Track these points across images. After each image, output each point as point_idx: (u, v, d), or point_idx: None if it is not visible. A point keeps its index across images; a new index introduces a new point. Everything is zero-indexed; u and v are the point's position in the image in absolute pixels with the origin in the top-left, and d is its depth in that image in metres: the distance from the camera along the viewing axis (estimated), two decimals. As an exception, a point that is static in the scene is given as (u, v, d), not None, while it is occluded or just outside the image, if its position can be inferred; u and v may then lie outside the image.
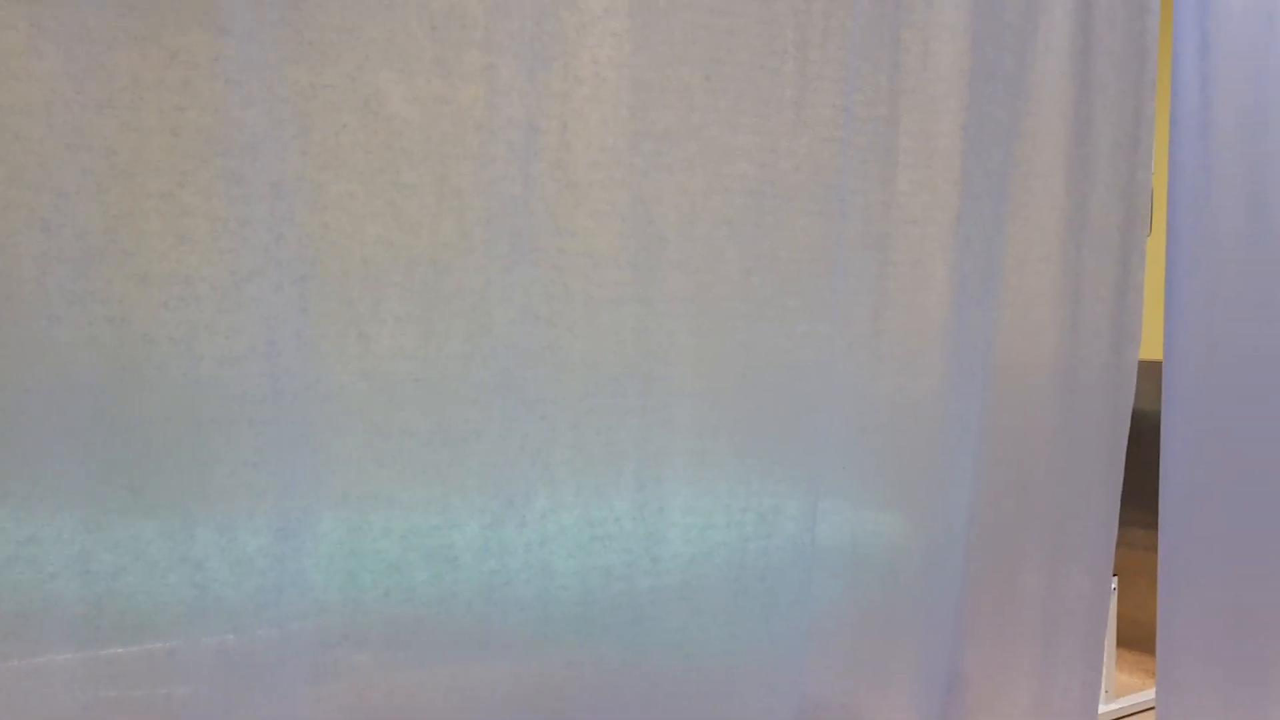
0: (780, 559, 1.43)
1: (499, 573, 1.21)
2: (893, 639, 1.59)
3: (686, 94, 1.30)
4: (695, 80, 1.30)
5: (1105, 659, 2.04)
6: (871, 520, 1.57)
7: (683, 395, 1.34)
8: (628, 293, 1.29)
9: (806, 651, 1.49)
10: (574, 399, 1.27)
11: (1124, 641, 2.70)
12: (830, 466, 1.49)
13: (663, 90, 1.29)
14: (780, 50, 1.34)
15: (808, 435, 1.44)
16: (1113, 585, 2.59)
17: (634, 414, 1.30)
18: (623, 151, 1.28)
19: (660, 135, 1.29)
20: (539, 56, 1.19)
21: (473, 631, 1.21)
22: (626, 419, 1.30)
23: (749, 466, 1.39)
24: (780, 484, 1.42)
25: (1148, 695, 2.60)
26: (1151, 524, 1.69)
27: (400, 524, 1.14)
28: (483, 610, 1.21)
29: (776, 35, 1.34)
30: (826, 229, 1.41)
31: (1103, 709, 2.48)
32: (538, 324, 1.24)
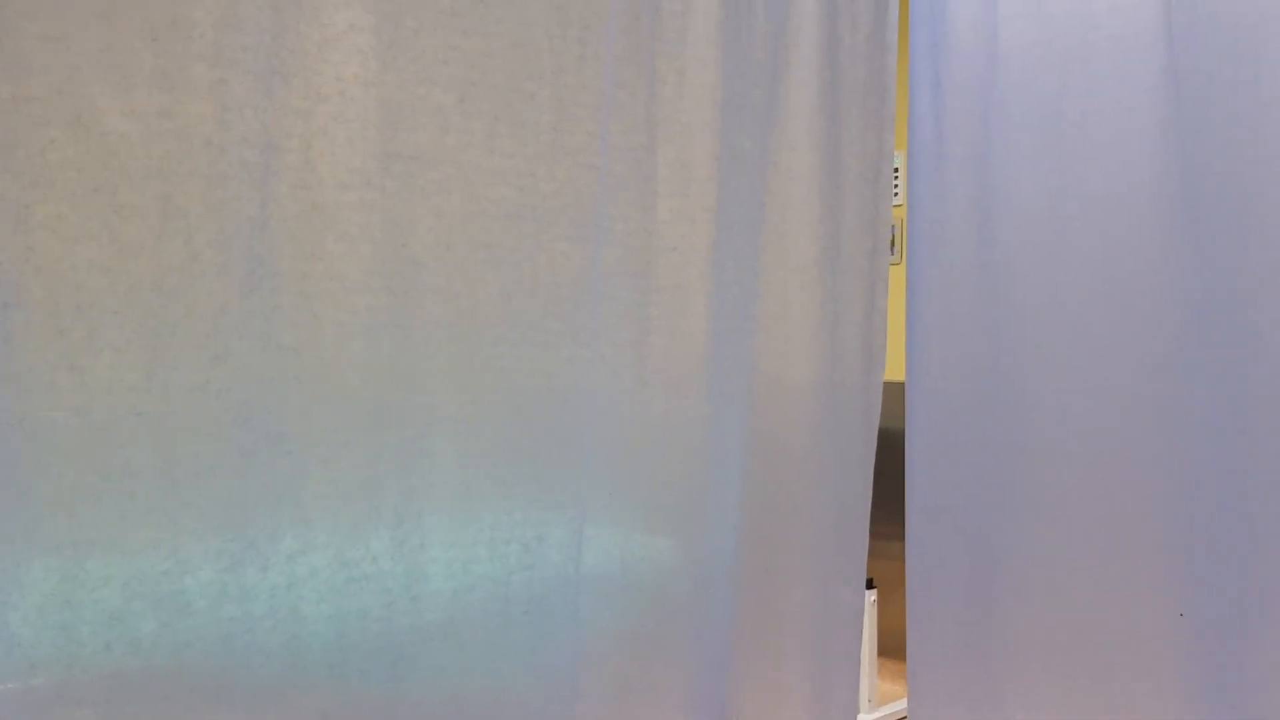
0: (546, 589, 1.41)
1: (240, 620, 1.13)
2: (665, 663, 1.60)
3: (440, 115, 1.28)
4: (449, 101, 1.28)
5: (866, 668, 2.13)
6: (641, 545, 1.58)
7: (443, 424, 1.30)
8: (382, 319, 1.25)
9: (576, 681, 1.48)
10: (325, 432, 1.21)
11: (886, 651, 2.86)
12: (597, 492, 1.50)
13: (414, 110, 1.26)
14: (537, 75, 1.35)
15: (573, 461, 1.43)
16: (872, 597, 2.73)
17: (391, 446, 1.26)
18: (373, 173, 1.24)
19: (413, 157, 1.26)
20: (277, 72, 1.14)
21: (211, 683, 1.13)
22: (383, 451, 1.25)
23: (513, 495, 1.37)
24: (545, 512, 1.40)
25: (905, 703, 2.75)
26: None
27: (122, 570, 1.05)
28: (222, 660, 1.12)
29: (532, 59, 1.34)
30: (586, 254, 1.42)
31: (864, 717, 2.61)
32: (282, 353, 1.18)
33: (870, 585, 3.26)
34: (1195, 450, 1.47)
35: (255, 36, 1.12)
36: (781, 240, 1.65)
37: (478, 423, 1.33)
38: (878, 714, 2.74)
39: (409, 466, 1.27)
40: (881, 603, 2.79)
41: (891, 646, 2.87)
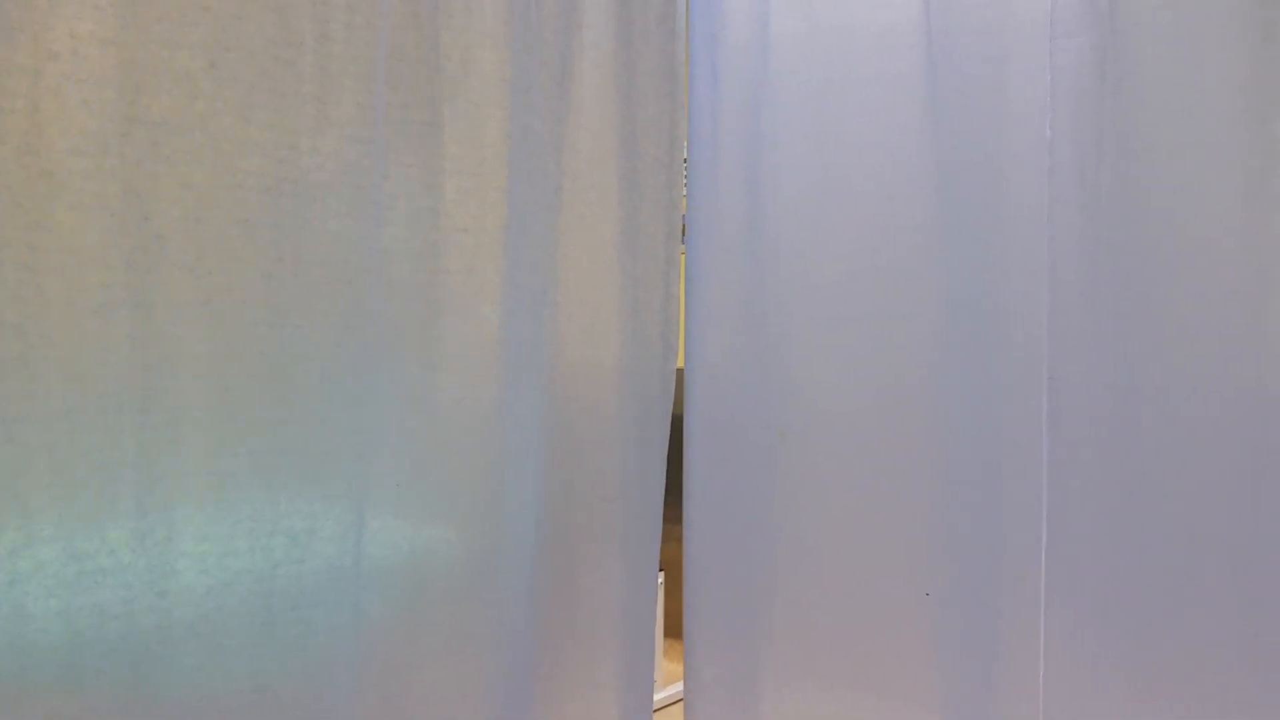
0: (317, 584, 1.35)
1: (-55, 620, 1.04)
2: (463, 657, 1.56)
3: (188, 80, 1.21)
4: (198, 66, 1.22)
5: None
6: (433, 537, 1.54)
7: (193, 410, 1.24)
8: (120, 296, 1.18)
9: (356, 680, 1.42)
10: (51, 417, 1.13)
11: (671, 632, 2.87)
12: (382, 483, 1.45)
13: (158, 74, 1.19)
14: (297, 41, 1.29)
15: (349, 450, 1.38)
16: (660, 580, 2.73)
17: (130, 432, 1.19)
18: (111, 138, 1.17)
19: (157, 123, 1.19)
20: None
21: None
22: (121, 438, 1.18)
23: (277, 486, 1.31)
24: (315, 503, 1.35)
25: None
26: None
27: None
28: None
29: (292, 24, 1.28)
30: (361, 233, 1.37)
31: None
32: (4, 331, 1.10)
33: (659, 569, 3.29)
34: (950, 435, 1.51)
35: (-41, -15, 1.04)
36: (580, 224, 1.63)
37: (234, 409, 1.26)
38: (662, 694, 2.76)
39: (152, 454, 1.20)
40: (671, 585, 2.80)
41: (676, 628, 2.88)
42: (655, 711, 2.06)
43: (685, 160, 1.67)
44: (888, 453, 1.55)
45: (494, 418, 1.55)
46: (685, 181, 1.68)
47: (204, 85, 1.23)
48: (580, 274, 1.65)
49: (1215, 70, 1.38)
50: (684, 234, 1.68)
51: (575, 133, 1.62)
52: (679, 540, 1.70)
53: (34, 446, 1.12)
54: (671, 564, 2.66)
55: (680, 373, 1.71)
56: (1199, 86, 1.39)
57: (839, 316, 1.58)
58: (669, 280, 1.67)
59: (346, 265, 1.35)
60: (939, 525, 1.53)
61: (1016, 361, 1.47)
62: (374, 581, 1.44)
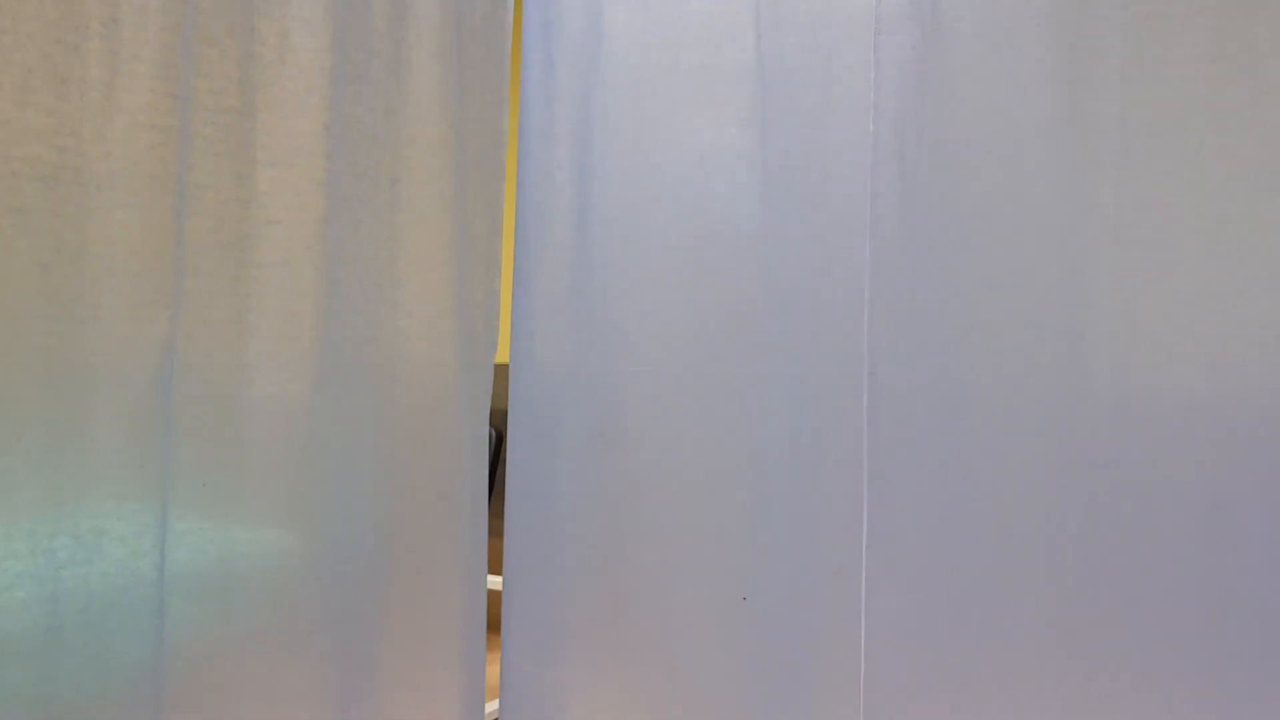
0: (108, 587, 1.31)
1: None
2: (281, 662, 1.53)
3: (-45, 63, 1.17)
4: (-33, 49, 1.17)
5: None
6: (245, 539, 1.50)
7: (-37, 406, 1.19)
8: (-124, 287, 1.13)
9: (159, 688, 1.38)
10: None
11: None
12: (185, 482, 1.41)
13: (-81, 55, 1.15)
14: (81, 25, 1.25)
15: (143, 448, 1.34)
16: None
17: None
18: None
19: (-80, 108, 1.15)
20: None
21: None
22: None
23: (60, 485, 1.26)
24: (104, 502, 1.31)
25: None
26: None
27: None
28: None
29: (75, 8, 1.25)
30: (158, 223, 1.33)
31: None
32: None
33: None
34: (769, 435, 1.51)
35: None
36: (419, 219, 1.60)
37: (6, 405, 1.22)
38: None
39: (-90, 452, 1.15)
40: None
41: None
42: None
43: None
44: (708, 453, 1.55)
45: (312, 417, 1.52)
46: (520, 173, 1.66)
47: (-26, 68, 1.18)
48: (420, 270, 1.62)
49: (1030, 69, 1.40)
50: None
51: (412, 125, 1.59)
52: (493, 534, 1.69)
53: None
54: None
55: (506, 369, 1.70)
56: (1015, 84, 1.41)
57: (663, 312, 1.58)
58: (490, 276, 1.65)
59: (136, 256, 1.31)
60: (757, 527, 1.53)
61: (837, 358, 1.48)
62: (180, 585, 1.40)
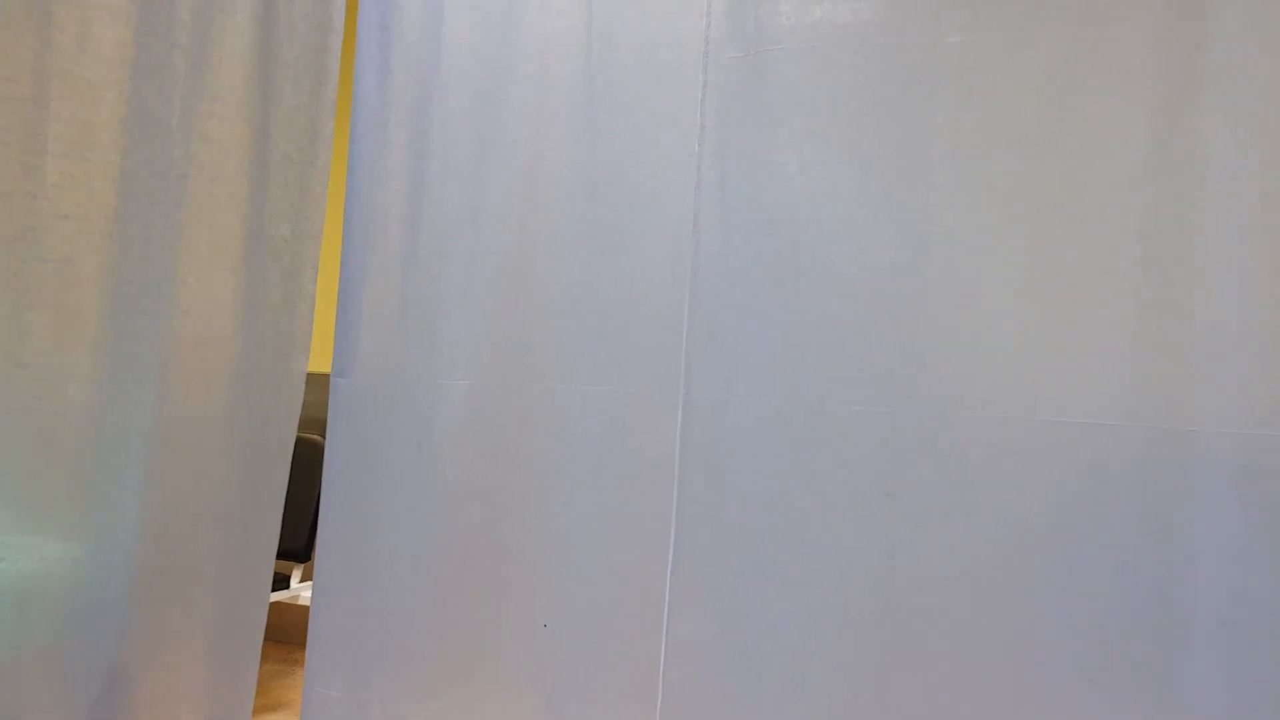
0: None
1: None
2: (44, 672, 1.44)
3: None
4: None
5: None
6: (13, 544, 1.42)
7: None
8: None
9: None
10: None
11: None
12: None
13: None
14: None
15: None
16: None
17: None
18: None
19: None
20: None
21: None
22: None
23: None
24: None
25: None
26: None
27: None
28: None
29: None
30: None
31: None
32: None
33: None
34: (581, 454, 1.48)
35: None
36: (206, 217, 1.55)
37: None
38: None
39: None
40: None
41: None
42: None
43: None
44: (522, 469, 1.50)
45: (87, 419, 1.45)
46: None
47: None
48: (202, 270, 1.55)
49: (848, 90, 1.41)
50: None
51: (206, 120, 1.55)
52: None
53: None
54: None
55: (326, 379, 1.64)
56: (833, 106, 1.41)
57: (486, 325, 1.53)
58: (301, 280, 1.60)
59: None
60: (568, 544, 1.48)
61: (654, 377, 1.45)
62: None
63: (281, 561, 2.91)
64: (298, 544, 2.88)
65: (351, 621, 1.57)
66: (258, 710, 2.99)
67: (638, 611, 1.43)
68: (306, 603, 2.98)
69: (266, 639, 3.52)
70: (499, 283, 1.54)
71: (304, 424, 2.17)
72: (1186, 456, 1.06)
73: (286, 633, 3.49)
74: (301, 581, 3.00)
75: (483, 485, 1.53)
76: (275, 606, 2.95)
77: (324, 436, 1.66)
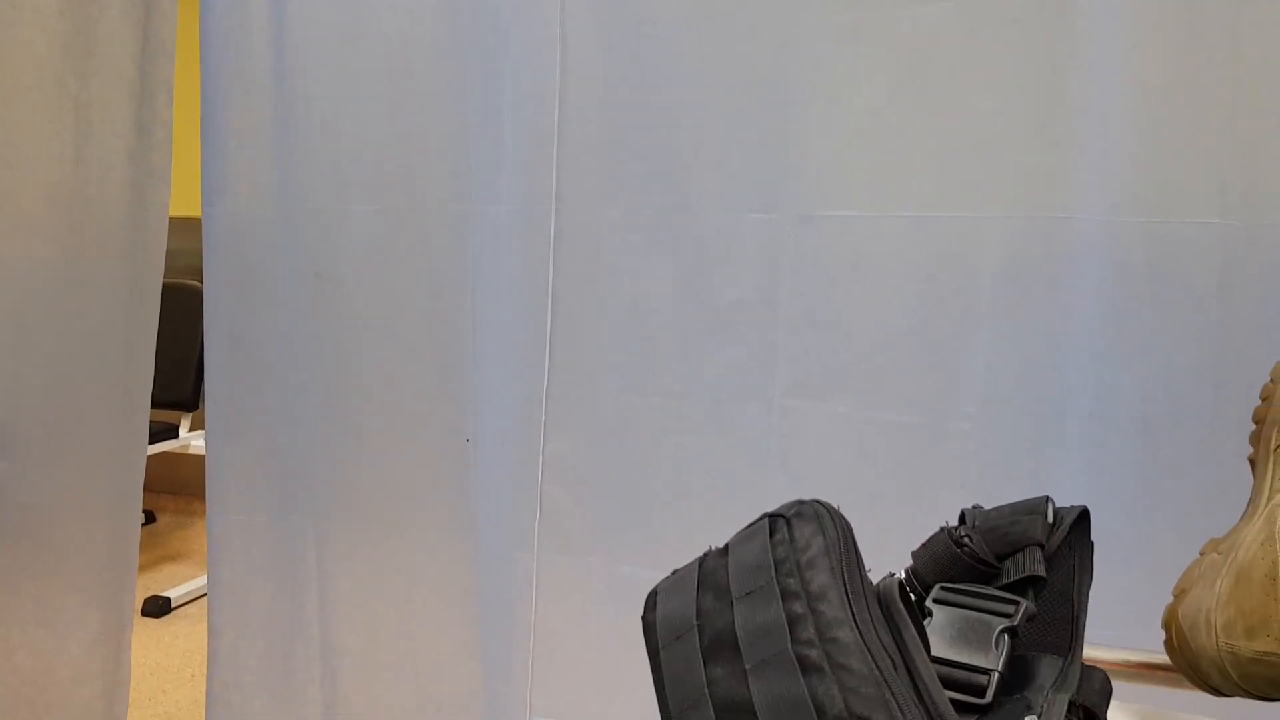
0: None
1: None
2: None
3: None
4: None
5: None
6: None
7: None
8: None
9: None
10: None
11: None
12: None
13: None
14: None
15: None
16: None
17: None
18: None
19: None
20: None
21: None
22: None
23: None
24: None
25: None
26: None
27: None
28: None
29: None
30: None
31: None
32: None
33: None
34: (482, 278, 1.46)
35: None
36: (10, 31, 1.39)
37: None
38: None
39: None
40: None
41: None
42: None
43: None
44: (412, 294, 1.48)
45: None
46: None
47: None
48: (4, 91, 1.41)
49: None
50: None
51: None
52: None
53: None
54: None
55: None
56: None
57: (368, 151, 1.47)
58: (155, 105, 1.50)
59: None
60: (479, 373, 1.48)
61: (526, 197, 1.42)
62: None
63: (169, 411, 2.87)
64: (184, 394, 2.83)
65: (250, 457, 1.56)
66: (159, 562, 3.00)
67: (520, 432, 1.44)
68: (198, 452, 2.95)
69: (163, 492, 3.50)
70: (383, 98, 1.47)
71: (181, 272, 2.09)
72: (1056, 246, 1.08)
73: (182, 484, 3.47)
74: (191, 430, 2.96)
75: (388, 309, 1.50)
76: (167, 458, 2.92)
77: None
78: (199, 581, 2.73)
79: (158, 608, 2.59)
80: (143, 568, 1.72)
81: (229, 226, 1.52)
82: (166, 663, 2.30)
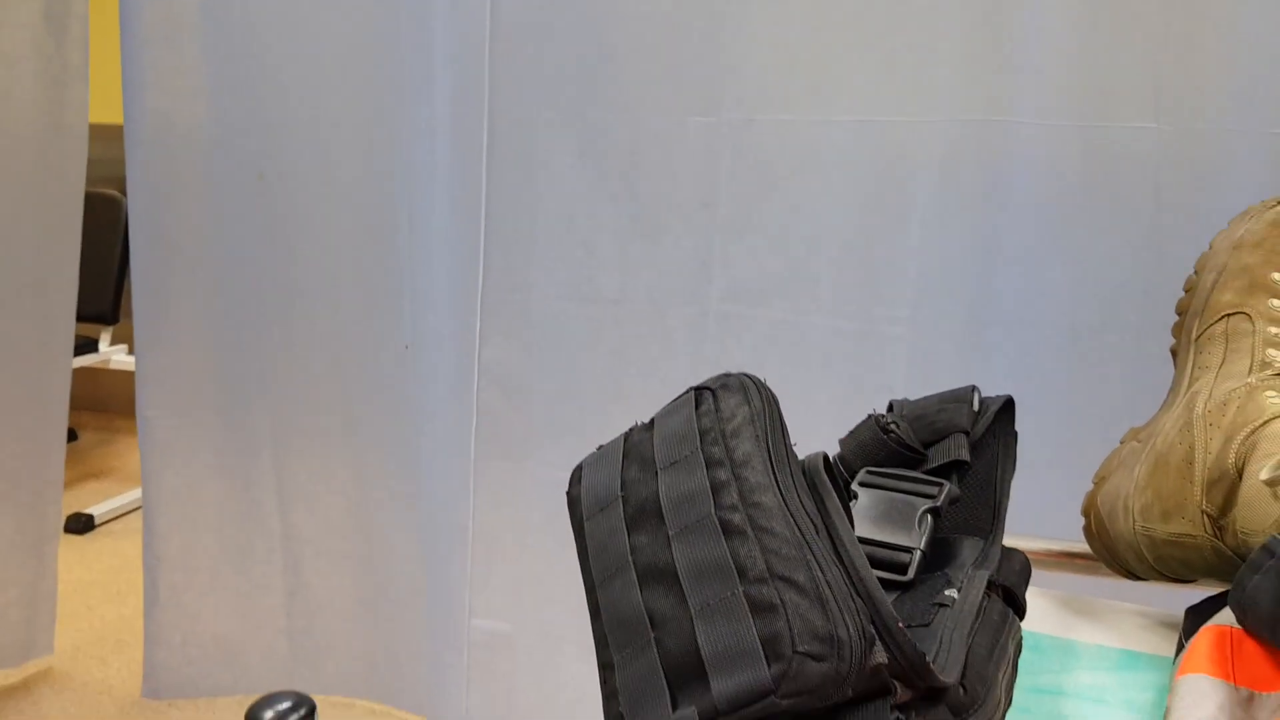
0: None
1: None
2: None
3: None
4: None
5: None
6: None
7: None
8: None
9: None
10: None
11: None
12: None
13: None
14: None
15: None
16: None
17: None
18: None
19: None
20: None
21: None
22: None
23: None
24: None
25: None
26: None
27: None
28: None
29: None
30: None
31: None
32: None
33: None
34: (405, 184, 1.43)
35: None
36: None
37: None
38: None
39: None
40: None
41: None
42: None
43: None
44: (359, 190, 1.45)
45: None
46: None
47: None
48: None
49: None
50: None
51: None
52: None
53: None
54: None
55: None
56: None
57: (317, 48, 1.42)
58: (70, 22, 1.42)
59: None
60: (415, 275, 1.46)
61: (455, 98, 1.38)
62: None
63: (89, 325, 2.78)
64: (103, 307, 2.75)
65: (192, 362, 1.53)
66: (83, 479, 2.94)
67: (457, 338, 1.43)
68: (118, 367, 2.88)
69: (84, 409, 3.42)
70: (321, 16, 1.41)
71: (95, 181, 2.01)
72: (990, 151, 1.08)
73: (103, 401, 3.39)
74: (112, 345, 2.88)
75: (326, 212, 1.47)
76: (89, 373, 2.84)
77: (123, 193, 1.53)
78: (124, 498, 2.68)
79: (81, 525, 2.54)
80: (65, 485, 1.68)
81: (157, 126, 1.46)
82: (92, 578, 2.27)
